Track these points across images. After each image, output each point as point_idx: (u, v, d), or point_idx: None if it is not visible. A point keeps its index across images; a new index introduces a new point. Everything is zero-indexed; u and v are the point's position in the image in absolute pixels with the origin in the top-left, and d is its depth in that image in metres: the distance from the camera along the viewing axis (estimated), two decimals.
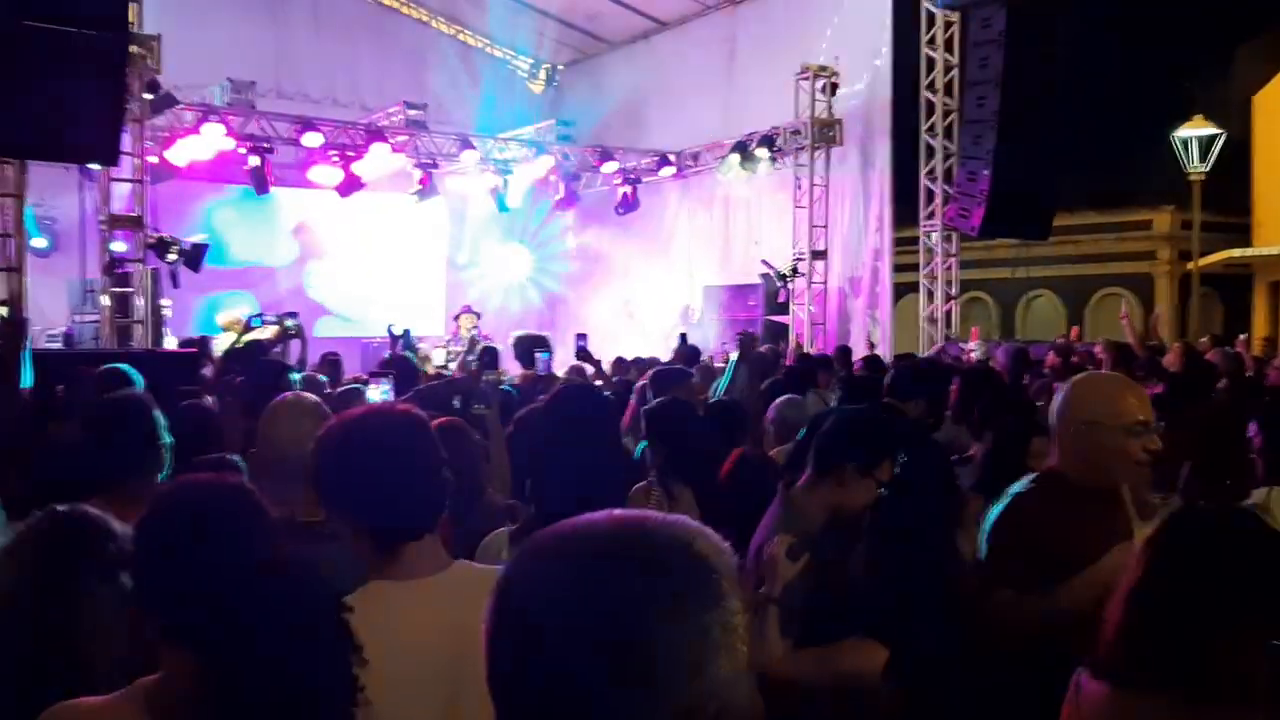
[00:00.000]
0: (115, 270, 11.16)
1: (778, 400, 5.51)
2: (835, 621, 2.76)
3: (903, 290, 15.88)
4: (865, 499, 2.93)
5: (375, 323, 16.60)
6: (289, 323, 9.14)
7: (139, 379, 4.75)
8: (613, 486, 2.87)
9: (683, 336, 10.91)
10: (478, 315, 14.88)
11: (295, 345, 9.44)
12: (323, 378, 7.24)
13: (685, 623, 0.93)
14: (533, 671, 0.94)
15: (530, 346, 8.57)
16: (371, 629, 1.66)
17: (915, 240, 15.03)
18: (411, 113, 15.48)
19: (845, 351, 10.53)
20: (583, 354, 7.85)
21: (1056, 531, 2.71)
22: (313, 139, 14.55)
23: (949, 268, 14.70)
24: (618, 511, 1.02)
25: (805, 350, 12.57)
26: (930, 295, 14.82)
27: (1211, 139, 18.29)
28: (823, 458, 3.02)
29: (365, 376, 6.83)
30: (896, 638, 2.70)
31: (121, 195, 11.37)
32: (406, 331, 11.32)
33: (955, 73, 14.19)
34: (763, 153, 15.07)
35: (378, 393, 5.35)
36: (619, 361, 10.16)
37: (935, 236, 14.67)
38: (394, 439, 2.10)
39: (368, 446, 2.08)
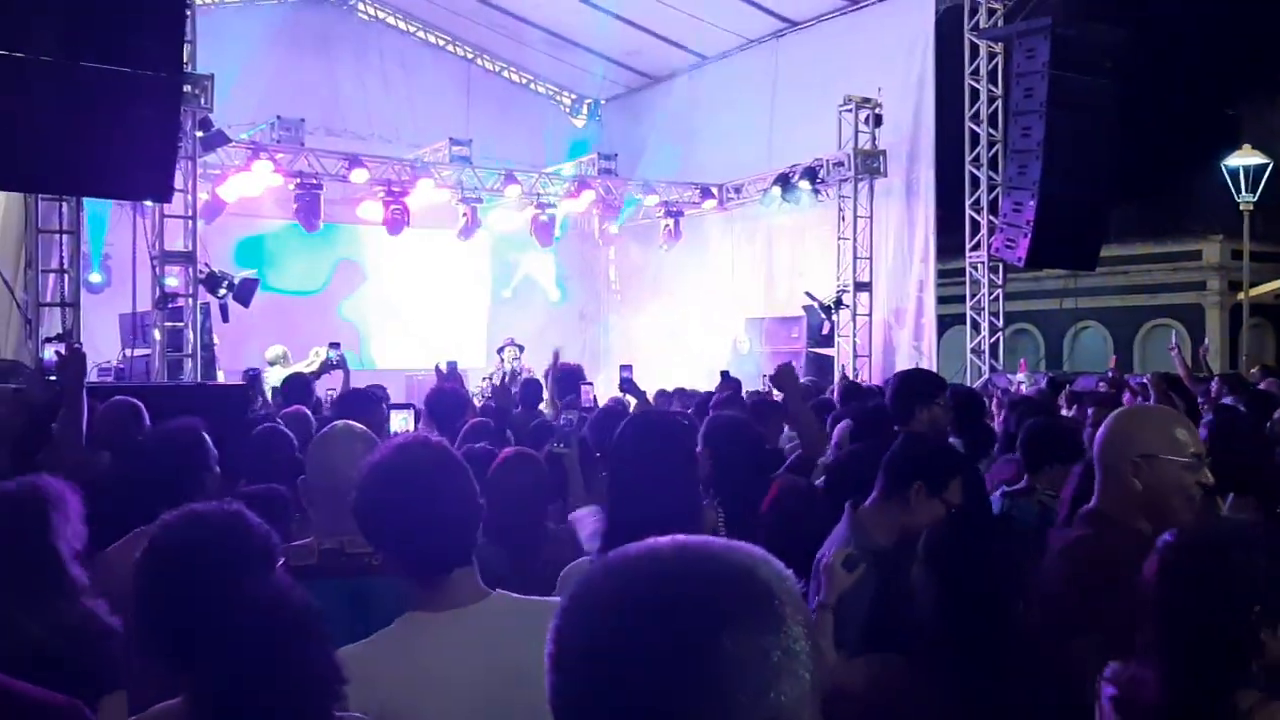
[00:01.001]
0: (167, 305, 11.33)
1: (843, 425, 5.38)
2: (892, 634, 2.76)
3: (948, 322, 15.78)
4: (933, 520, 2.93)
5: (419, 356, 16.80)
6: (331, 353, 9.20)
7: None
8: (686, 508, 2.83)
9: (724, 374, 10.71)
10: (520, 348, 14.92)
11: (339, 377, 9.50)
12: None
13: (748, 645, 0.94)
14: (597, 692, 0.94)
15: (571, 379, 8.57)
16: (407, 658, 1.70)
17: (961, 271, 14.93)
18: (456, 149, 15.66)
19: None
20: (627, 385, 7.81)
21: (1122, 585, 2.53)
22: (360, 175, 14.77)
23: (995, 299, 14.59)
24: (681, 536, 1.02)
25: (851, 380, 12.45)
26: (976, 327, 14.71)
27: (1261, 168, 18.05)
28: (892, 478, 3.04)
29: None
30: (954, 657, 2.67)
31: (174, 231, 11.57)
32: (453, 364, 11.34)
33: (999, 103, 14.17)
34: (805, 185, 15.08)
35: (398, 421, 5.30)
36: (661, 394, 10.13)
37: (981, 267, 14.58)
38: (417, 471, 2.12)
39: (392, 479, 2.11)
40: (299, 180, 14.48)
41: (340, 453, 2.83)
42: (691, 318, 17.84)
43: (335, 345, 9.32)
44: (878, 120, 14.64)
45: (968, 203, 14.53)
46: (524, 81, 19.95)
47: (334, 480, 2.74)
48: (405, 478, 2.11)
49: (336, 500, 2.67)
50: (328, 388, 10.31)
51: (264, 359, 12.78)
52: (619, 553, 1.01)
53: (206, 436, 3.46)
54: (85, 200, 10.57)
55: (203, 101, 11.59)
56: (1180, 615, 1.88)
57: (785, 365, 4.68)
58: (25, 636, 2.23)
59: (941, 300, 14.84)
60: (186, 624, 1.70)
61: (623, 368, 8.23)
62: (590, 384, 8.18)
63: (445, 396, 7.18)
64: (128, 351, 12.42)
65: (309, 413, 6.31)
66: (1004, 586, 2.61)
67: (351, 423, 3.23)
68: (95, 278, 13.69)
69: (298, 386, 7.65)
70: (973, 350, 14.69)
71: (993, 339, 14.58)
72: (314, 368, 10.80)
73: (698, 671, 0.92)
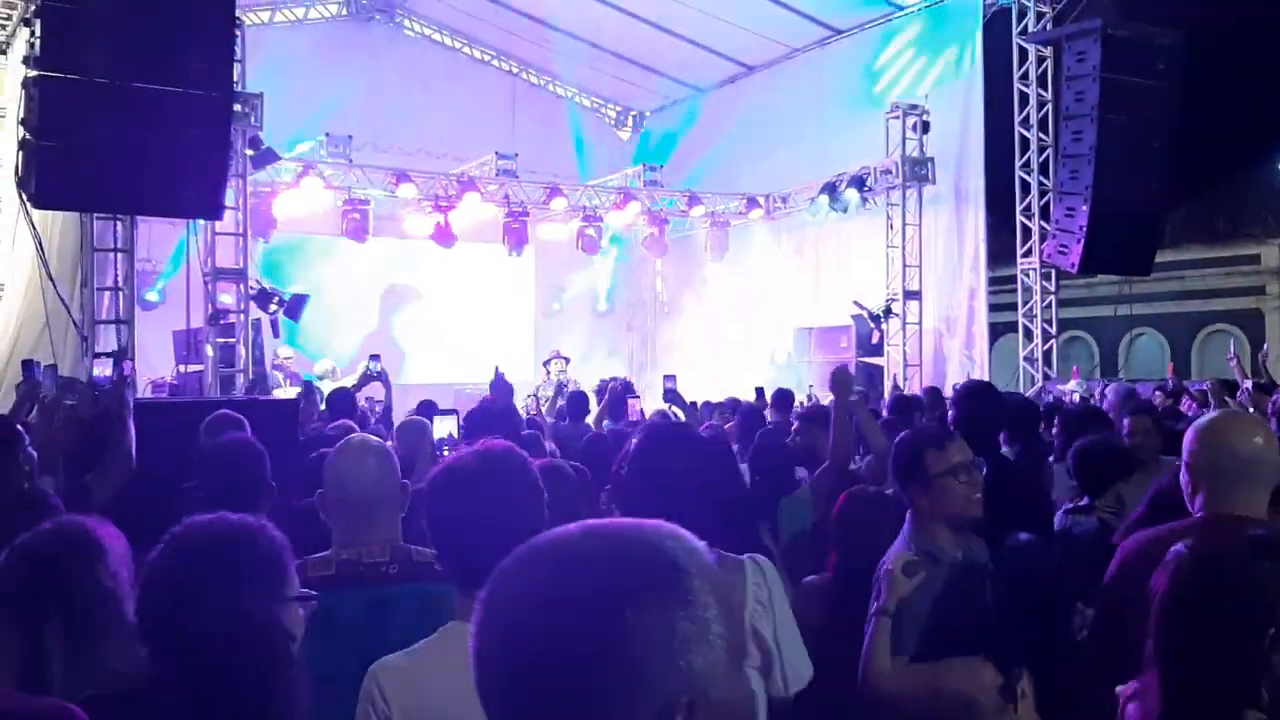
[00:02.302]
0: (219, 321, 11.48)
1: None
2: (954, 641, 2.74)
3: (1000, 330, 15.60)
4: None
5: (467, 369, 16.86)
6: (371, 365, 9.23)
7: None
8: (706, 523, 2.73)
9: (759, 391, 10.46)
10: (566, 360, 14.95)
11: (378, 390, 9.52)
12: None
13: (654, 618, 0.98)
14: (512, 675, 1.00)
15: (619, 392, 8.54)
16: (448, 668, 1.72)
17: (1012, 279, 14.78)
18: (502, 162, 15.75)
19: (935, 393, 10.25)
20: (671, 396, 7.75)
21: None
22: (407, 190, 14.93)
23: (1048, 306, 14.41)
24: (593, 520, 1.08)
25: (902, 390, 12.32)
26: (1029, 334, 14.53)
27: None
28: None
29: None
30: (1021, 663, 2.64)
31: (225, 248, 11.71)
32: (500, 374, 11.34)
33: (1049, 107, 14.01)
34: (852, 193, 15.01)
35: (441, 428, 5.36)
36: (708, 406, 10.08)
37: (1033, 274, 14.41)
38: (483, 480, 2.14)
39: (456, 487, 2.15)
40: (348, 196, 14.63)
41: (353, 466, 2.86)
42: (739, 328, 17.80)
43: (375, 358, 9.38)
44: (925, 127, 14.52)
45: (1019, 209, 14.37)
46: (569, 95, 20.04)
47: (347, 493, 2.78)
48: (468, 488, 2.13)
49: (351, 512, 2.75)
50: (367, 398, 10.39)
51: (313, 373, 12.87)
52: (530, 543, 1.06)
53: (263, 450, 3.49)
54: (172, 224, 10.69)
55: (252, 120, 11.76)
56: (1189, 634, 1.84)
57: (841, 368, 4.60)
58: (102, 678, 2.21)
59: (993, 308, 14.68)
60: (160, 625, 1.75)
61: (666, 378, 8.16)
62: (638, 397, 8.12)
63: (489, 413, 7.17)
64: (181, 367, 12.60)
65: (355, 426, 6.29)
66: (1065, 598, 2.55)
67: (367, 436, 3.24)
68: (152, 296, 13.92)
69: (341, 401, 7.73)
70: (1025, 358, 14.51)
71: (1046, 347, 14.39)
72: (349, 382, 10.84)
73: (604, 647, 0.97)
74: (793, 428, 6.45)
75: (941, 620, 2.79)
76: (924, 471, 3.13)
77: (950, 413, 4.62)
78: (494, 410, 5.98)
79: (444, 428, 5.14)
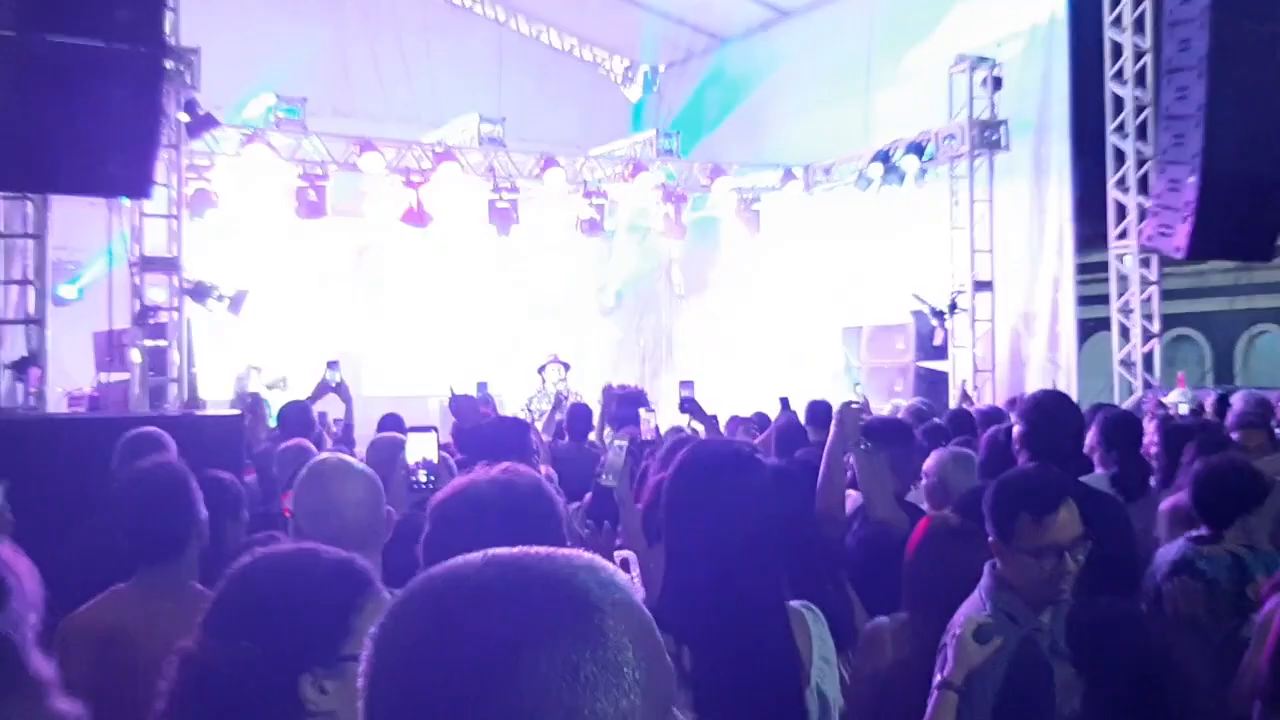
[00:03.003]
0: (148, 320, 11.49)
1: (942, 453, 5.40)
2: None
3: (1090, 327, 15.57)
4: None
5: (444, 378, 16.86)
6: (328, 373, 9.25)
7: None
8: (758, 582, 2.73)
9: (784, 402, 10.44)
10: (566, 366, 14.93)
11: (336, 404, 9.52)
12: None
13: (558, 661, 1.02)
14: (399, 717, 1.04)
15: (628, 403, 8.56)
16: None
17: (1104, 266, 14.70)
18: (486, 128, 15.79)
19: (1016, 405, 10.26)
20: (689, 406, 7.69)
21: None
22: (373, 162, 14.95)
23: (1148, 299, 14.35)
24: (498, 549, 1.12)
25: (968, 402, 12.29)
26: (1126, 333, 14.47)
27: None
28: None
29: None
30: None
31: (155, 232, 11.72)
32: (483, 386, 11.38)
33: (1148, 59, 13.94)
34: (910, 162, 15.00)
35: (417, 447, 5.42)
36: (733, 421, 10.05)
37: (1130, 260, 14.35)
38: (494, 514, 2.24)
39: (461, 520, 2.26)
40: (302, 169, 14.71)
41: (333, 492, 2.92)
42: (773, 326, 17.83)
43: (333, 365, 9.39)
44: (997, 83, 14.51)
45: (1111, 182, 14.31)
46: (566, 47, 20.10)
47: (324, 524, 2.83)
48: (484, 522, 2.22)
49: (324, 541, 2.69)
50: (320, 413, 10.42)
51: (261, 383, 13.08)
52: (426, 574, 1.11)
53: (188, 479, 3.50)
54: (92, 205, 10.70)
55: (188, 79, 11.79)
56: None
57: (847, 408, 4.59)
58: None
59: (1082, 301, 14.63)
60: None
61: (683, 384, 8.10)
62: (653, 410, 8.12)
63: (474, 423, 7.15)
64: (102, 376, 12.61)
65: (312, 447, 6.30)
66: (1155, 685, 2.56)
67: (346, 456, 3.30)
68: (69, 292, 13.95)
69: (296, 417, 7.69)
70: (1121, 362, 14.45)
71: (1146, 348, 14.34)
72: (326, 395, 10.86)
73: (496, 694, 1.01)
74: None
75: (1016, 702, 2.77)
76: (1013, 537, 3.16)
77: (1017, 428, 4.60)
78: (499, 431, 5.96)
79: (418, 449, 5.14)
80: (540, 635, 1.03)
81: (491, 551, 1.12)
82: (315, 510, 2.95)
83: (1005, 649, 2.88)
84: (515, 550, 1.12)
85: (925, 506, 5.06)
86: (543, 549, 1.12)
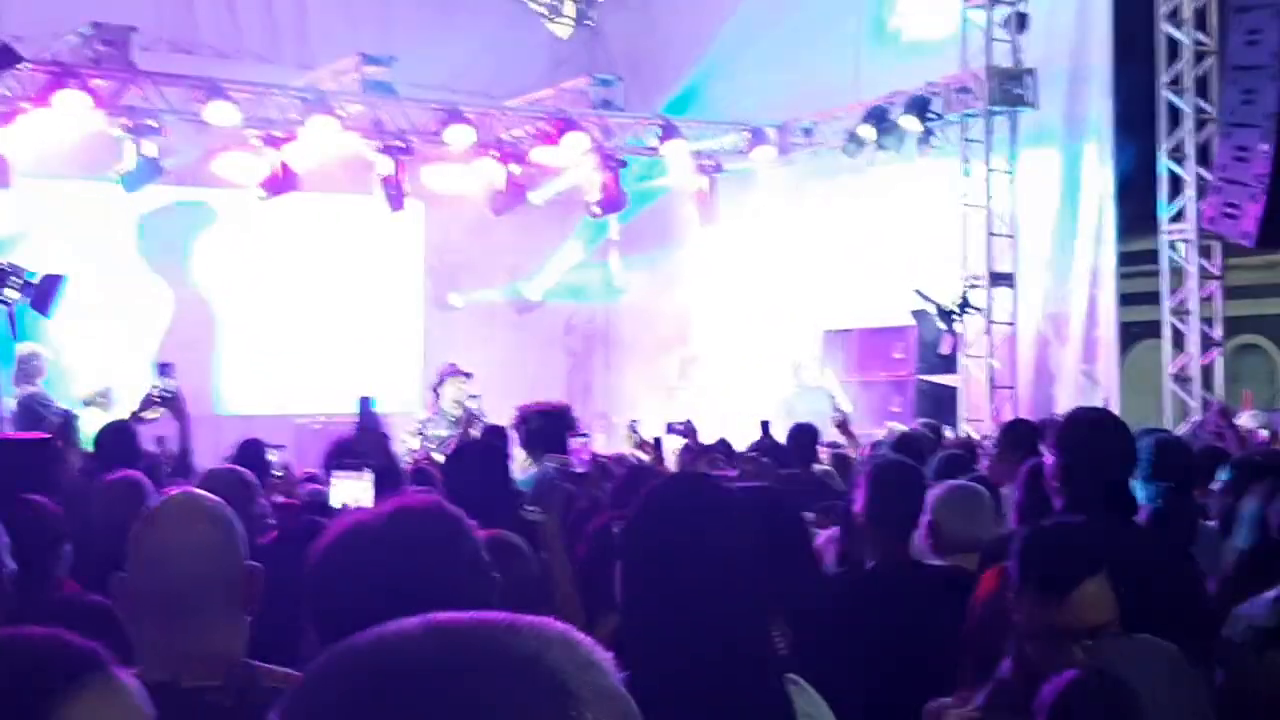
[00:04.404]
0: None
1: (938, 489, 5.50)
2: None
3: (1136, 333, 15.81)
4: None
5: (314, 394, 16.73)
6: (158, 382, 9.13)
7: None
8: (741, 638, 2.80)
9: (764, 425, 10.83)
10: (467, 377, 14.77)
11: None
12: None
13: None
14: None
15: (553, 426, 8.54)
16: None
17: (1154, 256, 14.88)
18: (370, 70, 15.66)
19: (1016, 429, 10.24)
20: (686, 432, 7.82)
21: None
22: (223, 113, 14.67)
23: (1209, 297, 14.52)
24: (442, 614, 1.10)
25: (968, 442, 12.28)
26: (1180, 341, 14.63)
27: None
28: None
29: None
30: None
31: None
32: (366, 402, 11.28)
33: None
34: (911, 122, 15.05)
35: (352, 491, 5.42)
36: (688, 449, 10.11)
37: (1186, 248, 14.51)
38: (362, 559, 2.29)
39: (330, 569, 2.31)
40: (128, 119, 14.47)
41: (173, 539, 2.92)
42: (740, 328, 17.82)
43: (166, 369, 9.29)
44: (1022, 22, 14.61)
45: (1163, 148, 14.49)
46: None
47: (163, 580, 2.83)
48: (377, 566, 2.24)
49: (167, 610, 2.80)
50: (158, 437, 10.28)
51: (75, 398, 12.74)
52: (347, 644, 1.09)
53: None
54: None
55: None
56: None
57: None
58: None
59: (1125, 300, 14.81)
60: None
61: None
62: (585, 435, 8.12)
63: (357, 449, 7.12)
64: None
65: (144, 480, 6.20)
66: None
67: (197, 491, 3.34)
68: None
69: (116, 440, 7.74)
70: (1174, 377, 14.62)
71: (1205, 359, 14.51)
72: (149, 415, 10.64)
73: None
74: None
75: None
76: (1023, 607, 3.31)
77: (1050, 458, 4.63)
78: (356, 448, 6.02)
79: (348, 496, 5.13)
80: None
81: (433, 618, 1.09)
82: (141, 561, 2.93)
83: None
84: (464, 617, 1.10)
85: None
86: (499, 615, 1.10)
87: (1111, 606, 3.22)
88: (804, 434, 9.69)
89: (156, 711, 2.34)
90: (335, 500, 5.11)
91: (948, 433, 11.94)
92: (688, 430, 9.92)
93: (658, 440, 10.19)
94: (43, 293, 12.67)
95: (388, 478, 6.44)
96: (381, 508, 2.42)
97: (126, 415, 10.99)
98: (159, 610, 2.80)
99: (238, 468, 6.99)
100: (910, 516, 4.97)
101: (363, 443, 8.46)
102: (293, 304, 17.94)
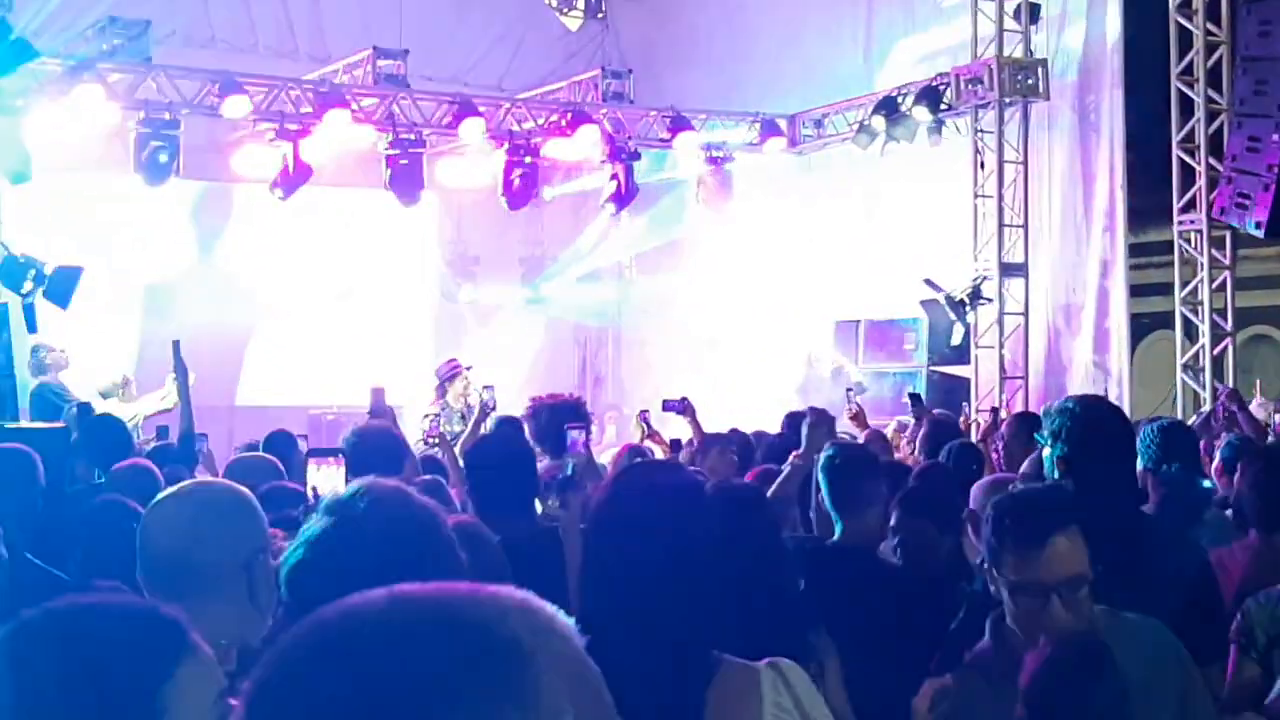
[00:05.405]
0: None
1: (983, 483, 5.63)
2: None
3: (1147, 324, 15.77)
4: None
5: (328, 386, 16.82)
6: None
7: None
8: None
9: (789, 418, 10.50)
10: (467, 368, 14.72)
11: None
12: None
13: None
14: None
15: (566, 420, 8.57)
16: None
17: (1166, 246, 14.85)
18: (384, 64, 15.63)
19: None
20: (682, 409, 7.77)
21: None
22: (238, 106, 14.74)
23: (1220, 286, 14.49)
24: (404, 586, 1.14)
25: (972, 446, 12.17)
26: (1191, 332, 14.61)
27: None
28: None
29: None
30: None
31: None
32: (379, 393, 11.29)
33: None
34: (921, 114, 15.08)
35: (323, 478, 5.33)
36: (706, 440, 10.04)
37: (1198, 239, 14.45)
38: (375, 549, 2.30)
39: (338, 560, 2.34)
40: (144, 114, 14.45)
41: (182, 527, 2.95)
42: (749, 319, 17.83)
43: (176, 346, 9.28)
44: (1034, 12, 14.62)
45: (1176, 139, 14.43)
46: None
47: (175, 566, 2.89)
48: (345, 556, 2.30)
49: (178, 594, 2.73)
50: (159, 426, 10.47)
51: (93, 389, 12.72)
52: (316, 616, 1.13)
53: None
54: None
55: None
56: None
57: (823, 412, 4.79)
58: None
59: (1136, 291, 14.73)
60: None
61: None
62: (581, 426, 8.11)
63: (371, 441, 7.15)
64: None
65: (154, 470, 6.38)
66: None
67: (209, 479, 3.42)
68: None
69: (106, 434, 7.86)
70: (1185, 367, 14.58)
71: (1217, 350, 14.45)
72: (168, 402, 10.73)
73: None
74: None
75: None
76: (1000, 568, 3.38)
77: (1048, 449, 4.52)
78: (372, 439, 6.06)
79: (323, 483, 5.00)
80: (457, 690, 1.04)
81: (396, 588, 1.13)
82: (164, 555, 2.96)
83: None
84: (426, 587, 1.15)
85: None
86: (460, 585, 1.15)
87: (1083, 559, 3.29)
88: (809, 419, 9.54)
89: None
90: (314, 486, 4.98)
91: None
92: (685, 408, 9.75)
93: (675, 441, 10.09)
94: (59, 285, 12.68)
95: (389, 460, 6.32)
96: (350, 492, 2.44)
97: (158, 407, 11.26)
98: (174, 587, 2.82)
99: (262, 455, 7.32)
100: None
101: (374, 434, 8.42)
102: (307, 296, 18.02)
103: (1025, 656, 3.13)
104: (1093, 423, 4.47)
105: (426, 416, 13.55)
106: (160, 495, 3.22)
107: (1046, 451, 4.52)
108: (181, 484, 3.34)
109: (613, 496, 3.05)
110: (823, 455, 5.32)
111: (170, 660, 1.80)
